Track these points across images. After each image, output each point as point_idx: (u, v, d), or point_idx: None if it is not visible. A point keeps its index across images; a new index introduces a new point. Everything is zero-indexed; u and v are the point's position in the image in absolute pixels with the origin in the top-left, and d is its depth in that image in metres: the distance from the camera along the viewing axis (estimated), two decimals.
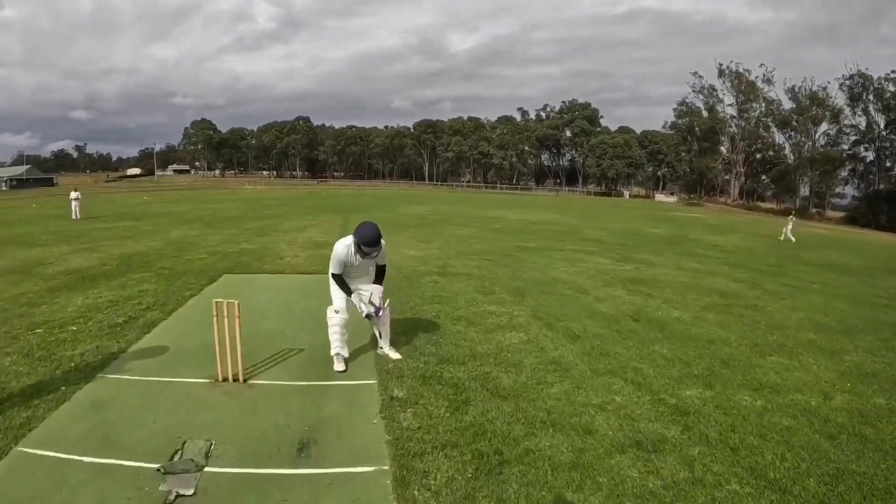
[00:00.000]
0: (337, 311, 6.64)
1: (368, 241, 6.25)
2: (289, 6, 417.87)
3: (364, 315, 6.76)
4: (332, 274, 6.67)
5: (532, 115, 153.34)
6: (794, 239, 30.95)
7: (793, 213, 35.28)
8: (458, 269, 13.46)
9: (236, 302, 6.06)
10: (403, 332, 7.78)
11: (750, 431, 5.25)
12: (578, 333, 8.29)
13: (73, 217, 30.24)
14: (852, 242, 38.09)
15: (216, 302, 6.11)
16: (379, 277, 6.86)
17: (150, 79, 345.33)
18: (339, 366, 6.59)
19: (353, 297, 6.71)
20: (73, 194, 31.88)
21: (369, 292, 6.68)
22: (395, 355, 6.92)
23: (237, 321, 5.97)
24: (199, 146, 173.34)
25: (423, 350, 7.22)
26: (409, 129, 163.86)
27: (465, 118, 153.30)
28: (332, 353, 6.68)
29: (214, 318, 6.04)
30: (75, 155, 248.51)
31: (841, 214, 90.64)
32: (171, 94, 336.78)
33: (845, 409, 5.88)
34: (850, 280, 16.50)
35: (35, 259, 13.88)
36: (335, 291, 6.69)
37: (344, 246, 6.47)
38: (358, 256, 6.44)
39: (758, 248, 24.90)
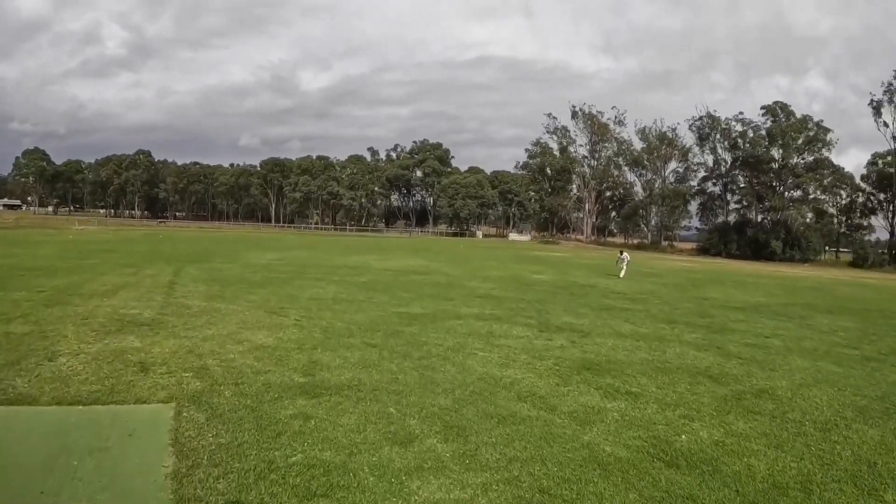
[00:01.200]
0: None
1: None
2: (141, 32, 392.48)
3: None
4: None
5: (382, 155, 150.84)
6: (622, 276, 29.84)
7: (624, 251, 33.83)
8: (335, 374, 8.61)
9: None
10: None
11: None
12: None
13: None
14: (729, 275, 39.74)
15: None
16: None
17: None
18: None
19: None
20: None
21: None
22: None
23: None
24: (31, 179, 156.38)
25: None
26: (255, 167, 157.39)
27: (315, 157, 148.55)
28: None
29: None
30: None
31: (691, 245, 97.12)
32: (8, 118, 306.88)
33: None
34: (791, 326, 15.83)
35: None
36: None
37: None
38: None
39: (662, 293, 23.52)
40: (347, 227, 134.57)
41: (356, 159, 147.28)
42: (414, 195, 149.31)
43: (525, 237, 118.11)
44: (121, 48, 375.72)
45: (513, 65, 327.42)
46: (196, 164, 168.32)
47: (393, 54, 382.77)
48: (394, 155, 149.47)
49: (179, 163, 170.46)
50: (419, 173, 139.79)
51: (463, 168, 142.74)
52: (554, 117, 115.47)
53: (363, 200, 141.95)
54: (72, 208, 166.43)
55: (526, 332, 12.36)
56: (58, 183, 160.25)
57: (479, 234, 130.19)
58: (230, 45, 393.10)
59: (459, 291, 19.68)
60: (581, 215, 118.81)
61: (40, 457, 5.45)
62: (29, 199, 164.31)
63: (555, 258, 49.57)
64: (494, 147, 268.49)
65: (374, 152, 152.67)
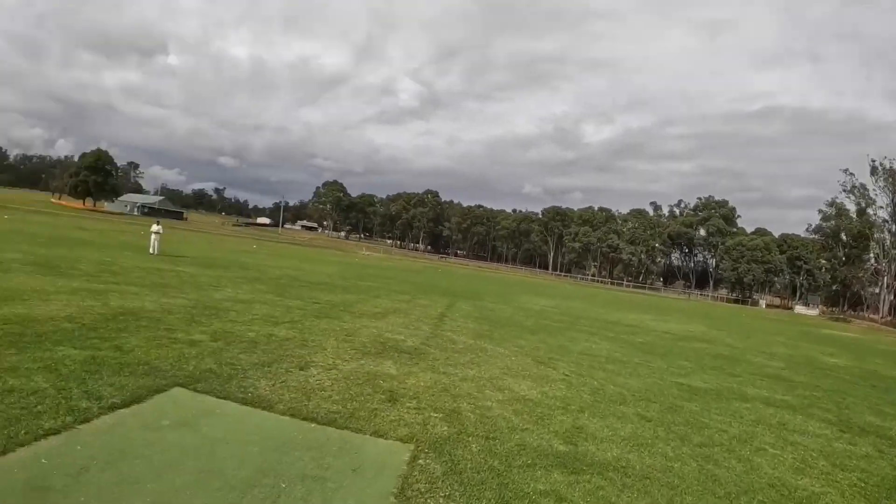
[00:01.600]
0: None
1: None
2: (431, 86, 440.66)
3: None
4: None
5: (665, 211, 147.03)
6: None
7: None
8: (600, 448, 7.58)
9: None
10: None
11: None
12: None
13: (151, 251, 28.93)
14: None
15: None
16: None
17: (295, 138, 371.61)
18: None
19: None
20: (155, 227, 30.40)
21: None
22: None
23: None
24: (328, 206, 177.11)
25: None
26: (536, 214, 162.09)
27: (596, 208, 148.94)
28: None
29: None
30: (214, 196, 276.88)
31: None
32: (313, 155, 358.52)
33: None
34: None
35: None
36: None
37: None
38: None
39: None
40: (624, 281, 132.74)
41: (637, 213, 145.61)
42: (695, 255, 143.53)
43: (813, 311, 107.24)
44: (413, 100, 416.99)
45: (801, 116, 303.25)
46: (480, 206, 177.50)
47: (676, 108, 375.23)
48: (677, 211, 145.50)
49: (464, 204, 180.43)
50: (702, 232, 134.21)
51: (749, 229, 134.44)
52: (851, 173, 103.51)
53: (643, 256, 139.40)
54: (361, 236, 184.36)
55: (824, 430, 10.78)
56: (351, 213, 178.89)
57: (763, 303, 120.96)
58: (515, 98, 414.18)
59: (745, 367, 18.11)
60: (877, 291, 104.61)
61: (250, 468, 5.38)
62: (324, 223, 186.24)
63: (847, 339, 44.18)
64: (781, 208, 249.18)
65: (656, 207, 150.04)
